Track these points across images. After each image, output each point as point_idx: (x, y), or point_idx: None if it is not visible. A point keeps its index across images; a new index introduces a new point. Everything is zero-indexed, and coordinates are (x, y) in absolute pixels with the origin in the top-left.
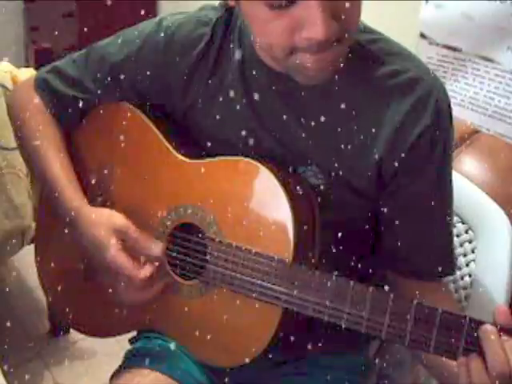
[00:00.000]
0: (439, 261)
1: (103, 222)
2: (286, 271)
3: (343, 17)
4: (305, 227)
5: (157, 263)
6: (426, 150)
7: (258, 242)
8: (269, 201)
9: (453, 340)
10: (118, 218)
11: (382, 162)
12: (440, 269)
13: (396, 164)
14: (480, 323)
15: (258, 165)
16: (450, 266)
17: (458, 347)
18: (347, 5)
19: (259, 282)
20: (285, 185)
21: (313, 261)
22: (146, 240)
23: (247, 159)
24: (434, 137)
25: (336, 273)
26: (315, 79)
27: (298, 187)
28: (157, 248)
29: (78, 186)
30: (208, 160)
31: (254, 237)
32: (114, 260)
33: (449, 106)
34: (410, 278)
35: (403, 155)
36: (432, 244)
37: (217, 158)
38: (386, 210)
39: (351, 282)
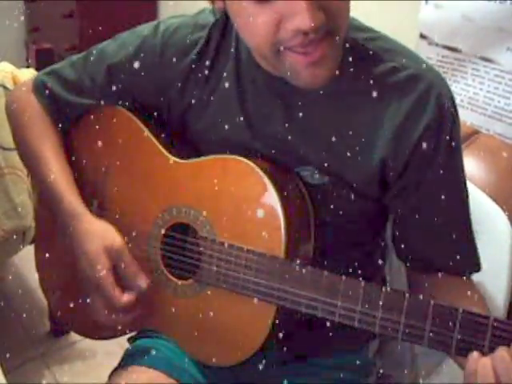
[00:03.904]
0: (462, 255)
1: (98, 237)
2: (278, 268)
3: (330, 8)
4: (297, 224)
5: (138, 292)
6: (430, 147)
7: (251, 239)
8: (259, 198)
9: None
10: (114, 237)
11: (385, 163)
12: (463, 263)
13: (401, 164)
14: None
15: (249, 162)
16: (474, 260)
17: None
18: None
19: (252, 279)
20: (275, 182)
21: (307, 258)
22: (135, 270)
23: (238, 157)
24: (437, 133)
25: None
26: (311, 83)
27: (290, 184)
28: (143, 281)
29: (78, 190)
30: (199, 159)
31: (247, 235)
32: (100, 279)
33: (451, 99)
34: (432, 274)
35: (408, 155)
36: (453, 237)
37: (207, 157)
38: (399, 210)
39: (343, 277)
